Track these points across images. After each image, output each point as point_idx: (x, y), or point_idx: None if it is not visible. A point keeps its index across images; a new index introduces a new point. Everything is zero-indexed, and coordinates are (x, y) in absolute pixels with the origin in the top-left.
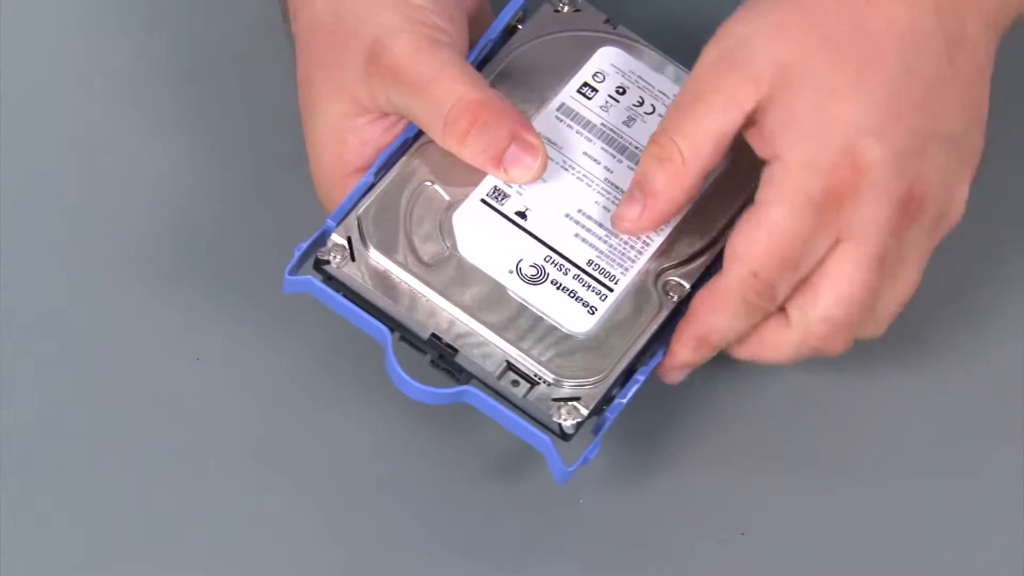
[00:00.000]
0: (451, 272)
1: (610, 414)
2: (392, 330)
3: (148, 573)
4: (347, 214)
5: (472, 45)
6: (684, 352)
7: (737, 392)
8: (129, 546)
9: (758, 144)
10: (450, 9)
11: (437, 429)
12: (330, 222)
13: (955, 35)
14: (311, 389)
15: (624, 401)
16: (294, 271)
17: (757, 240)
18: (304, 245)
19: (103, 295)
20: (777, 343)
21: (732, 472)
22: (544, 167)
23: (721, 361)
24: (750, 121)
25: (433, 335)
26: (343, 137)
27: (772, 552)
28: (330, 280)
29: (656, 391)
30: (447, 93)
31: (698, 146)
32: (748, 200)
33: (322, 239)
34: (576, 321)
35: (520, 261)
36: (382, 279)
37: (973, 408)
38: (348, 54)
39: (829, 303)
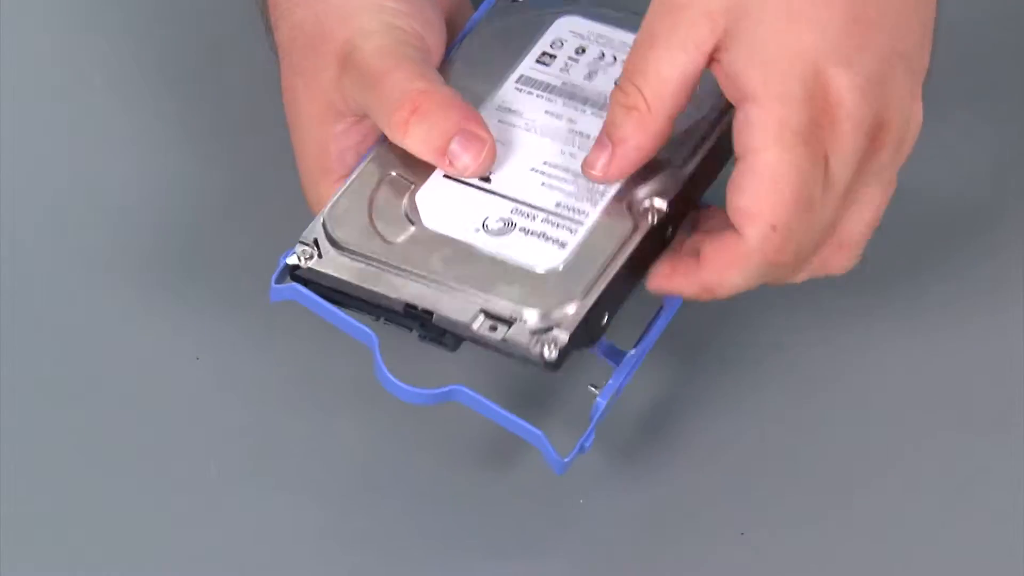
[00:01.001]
0: (418, 245)
1: (602, 399)
2: (376, 318)
3: (148, 573)
4: None
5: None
6: (687, 291)
7: (738, 391)
8: (129, 546)
9: (726, 86)
10: (427, 12)
11: (437, 428)
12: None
13: None
14: (310, 388)
15: (618, 384)
16: (280, 280)
17: (762, 192)
18: (289, 253)
19: (103, 295)
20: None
21: (732, 472)
22: (492, 159)
23: (721, 361)
24: (714, 59)
25: (407, 305)
26: (324, 145)
27: (772, 552)
28: (305, 282)
29: (656, 392)
30: (396, 85)
31: (661, 90)
32: (720, 110)
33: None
34: (547, 258)
35: (486, 219)
36: (350, 270)
37: (975, 408)
38: (324, 59)
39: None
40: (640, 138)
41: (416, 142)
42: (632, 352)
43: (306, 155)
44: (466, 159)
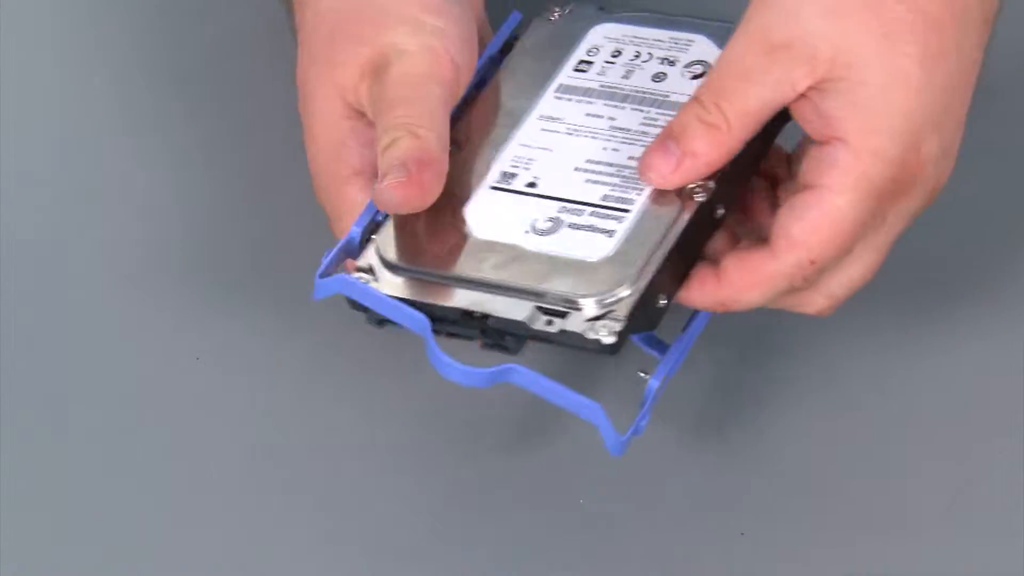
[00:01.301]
0: (470, 254)
1: (655, 380)
2: (439, 332)
3: (148, 573)
4: (367, 225)
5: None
6: (701, 304)
7: (737, 391)
8: (129, 546)
9: (813, 121)
10: (464, 30)
11: (437, 429)
12: (355, 228)
13: (987, 16)
14: (311, 389)
15: (669, 369)
16: (325, 274)
17: (819, 228)
18: (333, 251)
19: (103, 295)
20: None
21: (732, 472)
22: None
23: (720, 362)
24: (804, 96)
25: (464, 312)
26: (342, 138)
27: (772, 552)
28: (365, 308)
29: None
30: (398, 123)
31: (744, 117)
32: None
33: (348, 246)
34: (597, 248)
35: (535, 220)
36: (409, 288)
37: (976, 407)
38: (348, 55)
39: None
40: (713, 156)
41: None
42: (681, 337)
43: (319, 146)
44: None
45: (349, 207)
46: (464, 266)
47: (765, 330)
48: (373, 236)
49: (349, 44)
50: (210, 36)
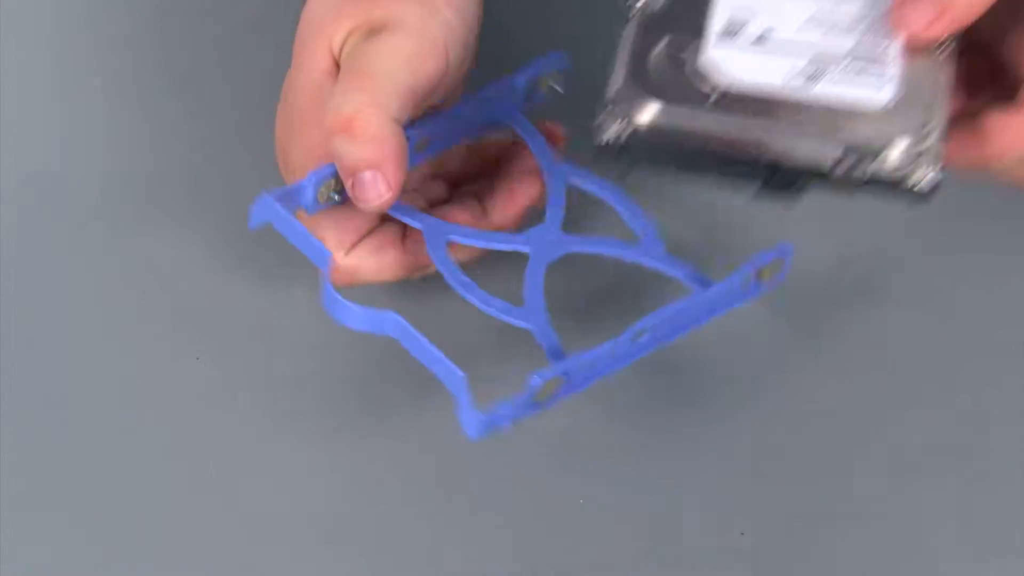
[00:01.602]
0: (737, 99)
1: (538, 378)
2: (706, 175)
3: (148, 573)
4: (320, 180)
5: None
6: (964, 163)
7: (737, 391)
8: (128, 546)
9: None
10: (470, 36)
11: (437, 428)
12: (311, 176)
13: None
14: (311, 389)
15: (556, 374)
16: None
17: None
18: (282, 189)
19: (102, 295)
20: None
21: (732, 472)
22: (386, 206)
23: (721, 360)
24: None
25: (755, 156)
26: (326, 90)
27: (772, 552)
28: (627, 151)
29: (655, 391)
30: (359, 87)
31: None
32: None
33: (296, 192)
34: (877, 94)
35: (795, 68)
36: (693, 121)
37: (975, 407)
38: (358, 9)
39: None
40: (975, 7)
41: (338, 154)
42: (581, 354)
43: (298, 106)
44: (365, 196)
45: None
46: (740, 110)
47: (759, 327)
48: (613, 82)
49: (354, 5)
50: (211, 36)
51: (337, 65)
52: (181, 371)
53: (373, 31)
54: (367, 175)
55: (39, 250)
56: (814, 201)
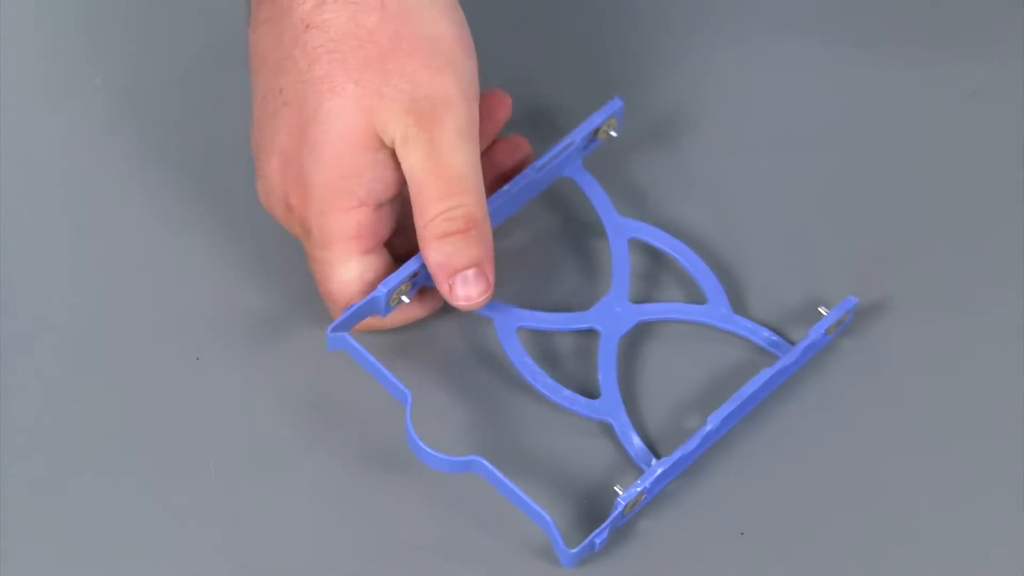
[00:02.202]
0: None
1: (622, 500)
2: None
3: (148, 573)
4: (395, 286)
5: None
6: None
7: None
8: (129, 546)
9: None
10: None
11: (437, 429)
12: (382, 287)
13: None
14: (311, 389)
15: (644, 486)
16: (339, 328)
17: None
18: (355, 307)
19: (102, 295)
20: None
21: (732, 472)
22: (487, 300)
23: (722, 362)
24: None
25: None
26: (359, 168)
27: (772, 552)
28: None
29: (655, 392)
30: (461, 189)
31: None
32: None
33: (372, 304)
34: None
35: None
36: None
37: (976, 405)
38: (395, 89)
39: None
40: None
41: (441, 256)
42: (657, 462)
43: (328, 168)
44: (467, 294)
45: (341, 236)
46: None
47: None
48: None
49: (397, 77)
50: (212, 35)
51: (382, 144)
52: (181, 371)
53: (424, 116)
54: (471, 273)
55: (38, 249)
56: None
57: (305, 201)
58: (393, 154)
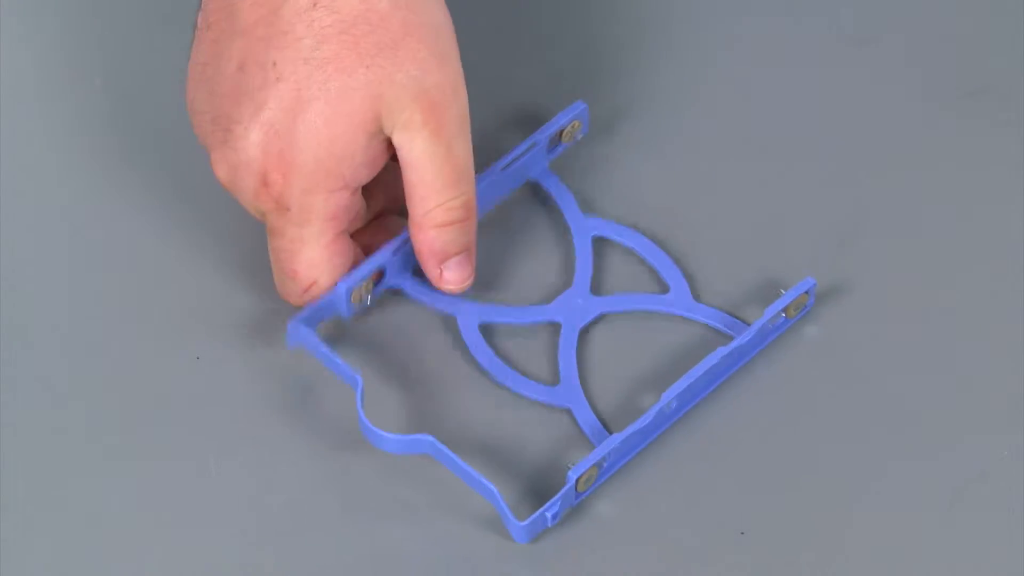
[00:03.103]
0: None
1: (572, 473)
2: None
3: (148, 572)
4: (354, 285)
5: None
6: None
7: (737, 391)
8: (129, 546)
9: None
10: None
11: (437, 426)
12: (342, 284)
13: None
14: (311, 389)
15: (593, 462)
16: (302, 320)
17: None
18: (316, 304)
19: (102, 295)
20: None
21: (732, 472)
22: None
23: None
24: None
25: None
26: (352, 150)
27: (772, 552)
28: None
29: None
30: (465, 179)
31: None
32: None
33: (333, 300)
34: None
35: None
36: None
37: (974, 406)
38: (406, 78)
39: None
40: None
41: (440, 242)
42: (610, 438)
43: (320, 145)
44: (457, 278)
45: (321, 215)
46: None
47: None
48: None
49: (408, 65)
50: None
51: (380, 129)
52: (181, 371)
53: (433, 104)
54: (460, 258)
55: (39, 250)
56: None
57: (288, 177)
58: (385, 140)
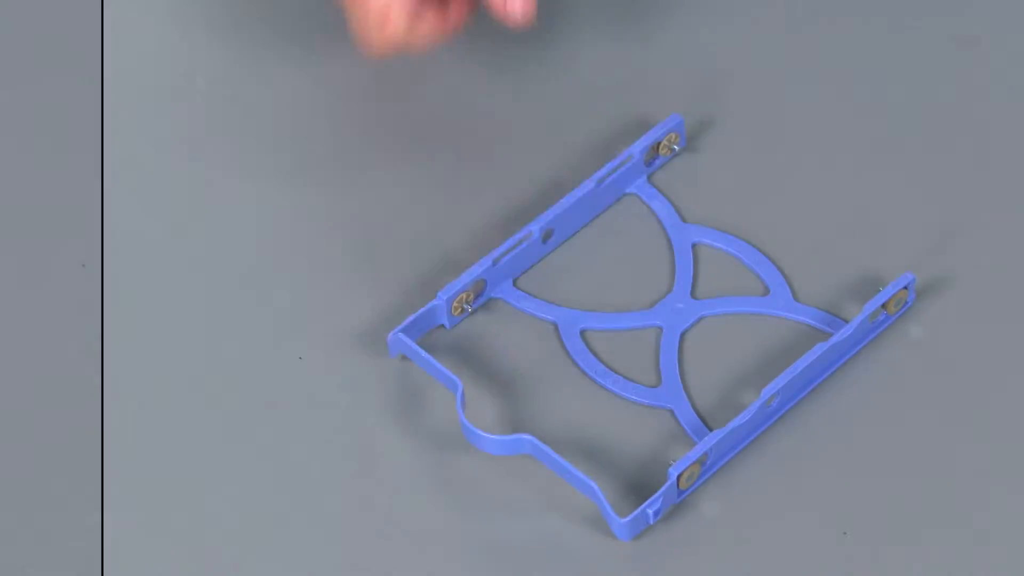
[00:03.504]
0: None
1: (673, 470)
2: None
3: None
4: (454, 294)
5: None
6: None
7: (840, 389)
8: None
9: None
10: None
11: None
12: (441, 295)
13: None
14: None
15: (696, 458)
16: (404, 331)
17: None
18: (416, 314)
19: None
20: None
21: (835, 472)
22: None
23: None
24: None
25: None
26: None
27: (875, 553)
28: None
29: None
30: None
31: None
32: None
33: (432, 312)
34: None
35: None
36: None
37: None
38: None
39: None
40: None
41: None
42: (711, 434)
43: None
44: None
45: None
46: None
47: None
48: None
49: None
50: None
51: None
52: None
53: None
54: None
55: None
56: None
57: None
58: None
